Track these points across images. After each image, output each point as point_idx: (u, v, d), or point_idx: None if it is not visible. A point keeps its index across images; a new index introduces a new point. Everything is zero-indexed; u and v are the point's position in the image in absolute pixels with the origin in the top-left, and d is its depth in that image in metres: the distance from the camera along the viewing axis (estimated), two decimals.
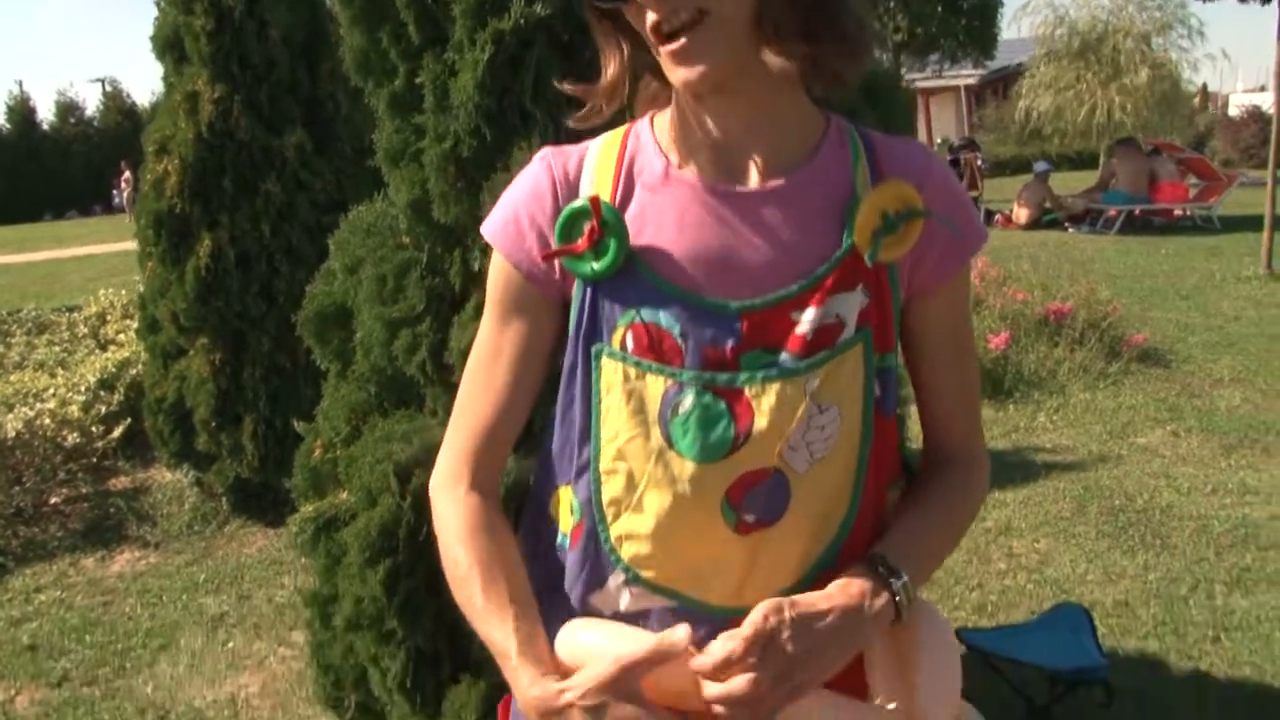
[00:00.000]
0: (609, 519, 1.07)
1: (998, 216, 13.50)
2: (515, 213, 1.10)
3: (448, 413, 1.97)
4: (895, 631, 1.03)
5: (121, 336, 6.89)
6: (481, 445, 1.12)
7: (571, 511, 1.11)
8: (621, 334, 1.04)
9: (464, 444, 1.13)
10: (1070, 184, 15.17)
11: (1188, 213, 13.08)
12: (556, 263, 1.07)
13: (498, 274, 1.12)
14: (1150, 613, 3.45)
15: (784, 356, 1.01)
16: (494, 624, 1.03)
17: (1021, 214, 13.24)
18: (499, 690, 1.94)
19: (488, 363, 1.12)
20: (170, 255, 4.38)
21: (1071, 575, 3.73)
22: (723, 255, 1.02)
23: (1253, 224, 10.75)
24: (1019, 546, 3.97)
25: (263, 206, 4.28)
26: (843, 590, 1.00)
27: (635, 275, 1.03)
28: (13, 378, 5.96)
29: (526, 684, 0.99)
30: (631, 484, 1.05)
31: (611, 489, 1.06)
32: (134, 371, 5.70)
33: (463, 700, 1.99)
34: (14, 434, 4.87)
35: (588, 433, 1.07)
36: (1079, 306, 6.57)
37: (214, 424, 4.39)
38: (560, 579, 1.13)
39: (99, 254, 16.48)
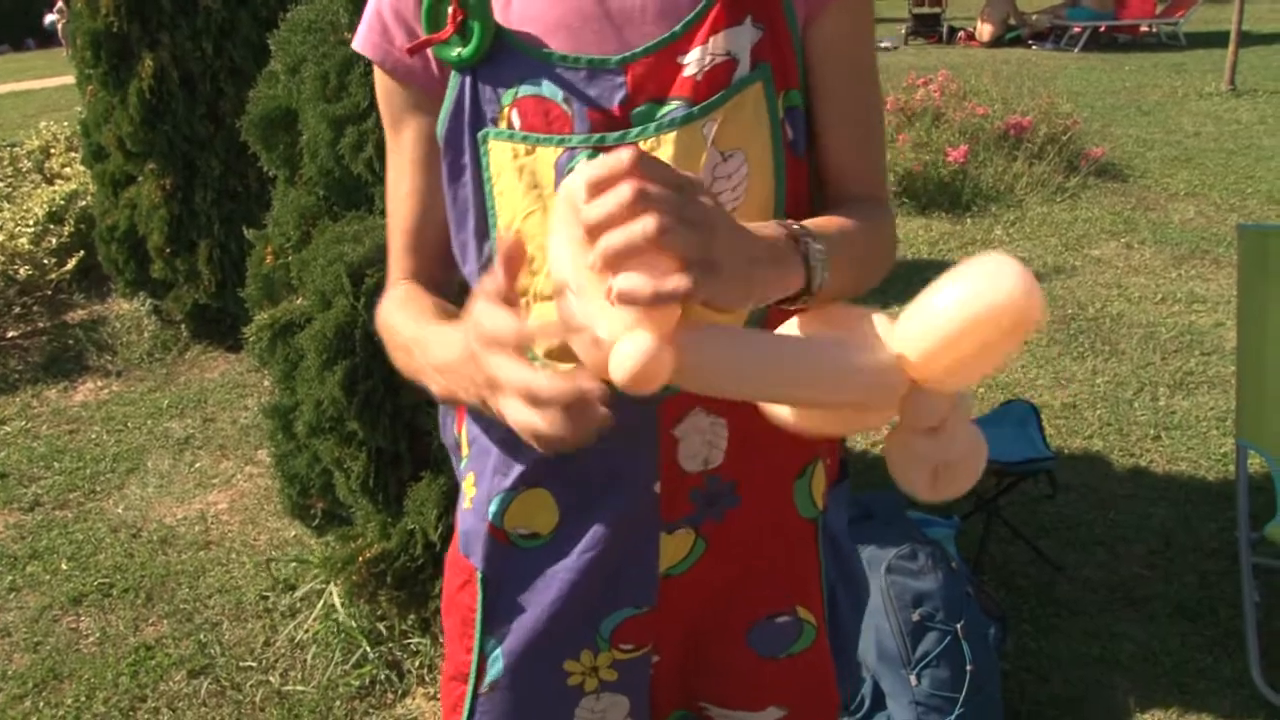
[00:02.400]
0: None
1: (960, 33, 13.27)
2: (379, 15, 1.03)
3: None
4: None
5: (67, 170, 6.71)
6: (410, 249, 1.09)
7: None
8: (506, 113, 0.98)
9: (395, 257, 1.12)
10: (1035, 1, 14.87)
11: (1154, 29, 12.91)
12: (432, 57, 1.01)
13: (379, 85, 1.08)
14: (1096, 414, 3.57)
15: (676, 104, 0.94)
16: (425, 338, 0.94)
17: (985, 30, 13.01)
18: (456, 487, 2.00)
19: (395, 176, 1.09)
20: (111, 78, 4.23)
21: (1022, 380, 3.84)
22: (597, 10, 0.96)
23: (1219, 40, 10.64)
24: None
25: (203, 24, 4.12)
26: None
27: (509, 51, 0.97)
28: None
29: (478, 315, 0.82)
30: (534, 262, 0.98)
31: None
32: (83, 204, 5.59)
33: (423, 496, 2.05)
34: None
35: (485, 224, 1.02)
36: (1039, 121, 6.54)
37: (168, 250, 4.33)
38: None
39: (36, 89, 15.89)
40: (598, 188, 0.72)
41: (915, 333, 0.77)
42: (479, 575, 1.12)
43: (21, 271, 5.07)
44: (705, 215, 0.74)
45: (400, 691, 2.50)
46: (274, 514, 3.25)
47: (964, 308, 0.74)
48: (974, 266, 0.75)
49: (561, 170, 0.96)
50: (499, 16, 0.98)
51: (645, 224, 0.70)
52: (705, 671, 1.18)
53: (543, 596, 1.10)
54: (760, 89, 0.96)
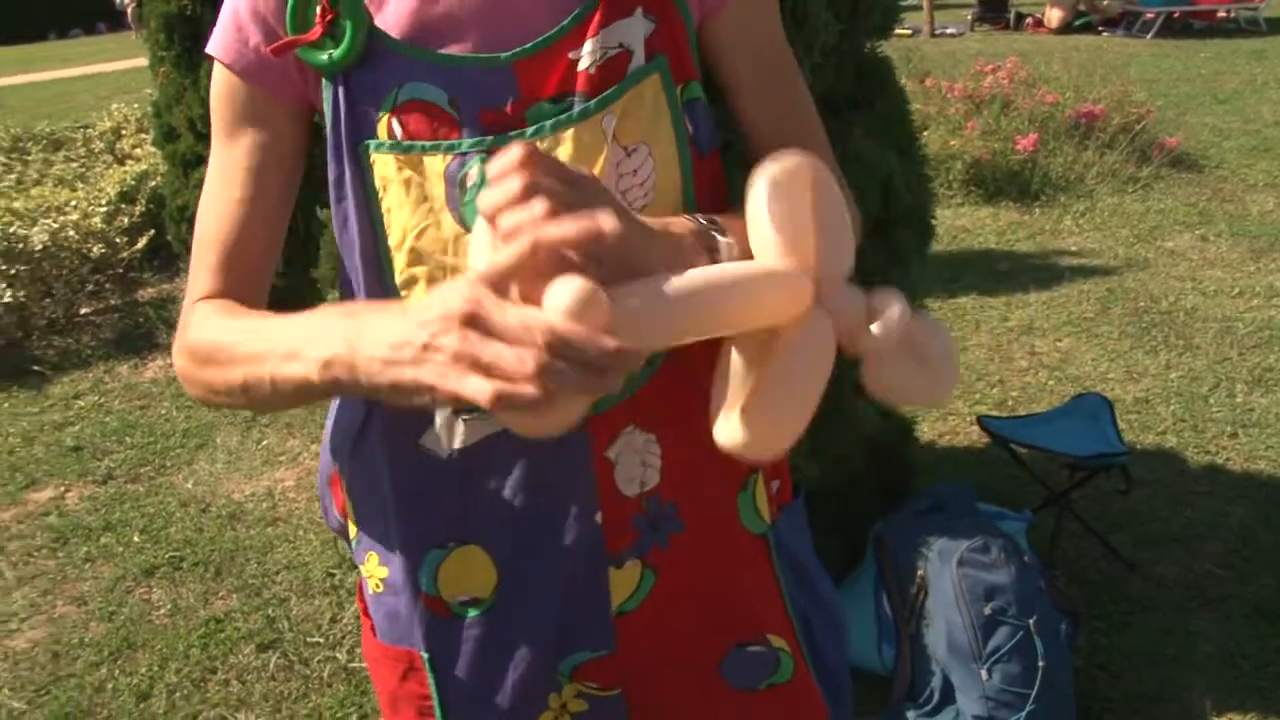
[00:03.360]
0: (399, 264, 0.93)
1: (1028, 19, 13.04)
2: (234, 12, 0.95)
3: None
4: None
5: (138, 151, 6.85)
6: (222, 267, 0.97)
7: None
8: (386, 122, 0.90)
9: (200, 275, 0.98)
10: None
11: (1231, 14, 12.59)
12: (295, 63, 0.93)
13: (219, 89, 0.97)
14: (1170, 410, 3.50)
15: (573, 100, 0.90)
16: (280, 332, 0.86)
17: (1054, 16, 12.77)
18: None
19: (218, 183, 0.98)
20: (184, 60, 4.28)
21: (1093, 373, 3.77)
22: (481, 6, 0.90)
23: None
24: (1041, 345, 4.00)
25: None
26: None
27: (385, 53, 0.90)
28: (33, 192, 5.96)
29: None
30: (435, 286, 0.88)
31: (409, 288, 0.93)
32: (154, 184, 5.69)
33: None
34: (40, 246, 4.91)
35: (375, 248, 0.93)
36: (1111, 110, 6.41)
37: None
38: (365, 439, 1.02)
39: (108, 72, 16.20)
40: (493, 183, 0.74)
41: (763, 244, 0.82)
42: (424, 658, 1.03)
43: (95, 250, 5.18)
44: (594, 205, 0.74)
45: None
46: None
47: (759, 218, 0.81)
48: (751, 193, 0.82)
49: (453, 180, 0.90)
50: (374, 14, 0.91)
51: (534, 208, 0.71)
52: (686, 712, 1.09)
53: (499, 665, 1.02)
54: (658, 80, 0.92)
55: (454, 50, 0.90)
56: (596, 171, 0.89)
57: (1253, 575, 2.70)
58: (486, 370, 0.68)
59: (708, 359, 0.87)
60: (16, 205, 5.34)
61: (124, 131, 7.63)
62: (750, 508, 1.06)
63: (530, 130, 0.89)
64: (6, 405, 4.27)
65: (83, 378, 4.45)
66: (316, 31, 0.90)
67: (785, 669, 1.09)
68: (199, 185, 4.74)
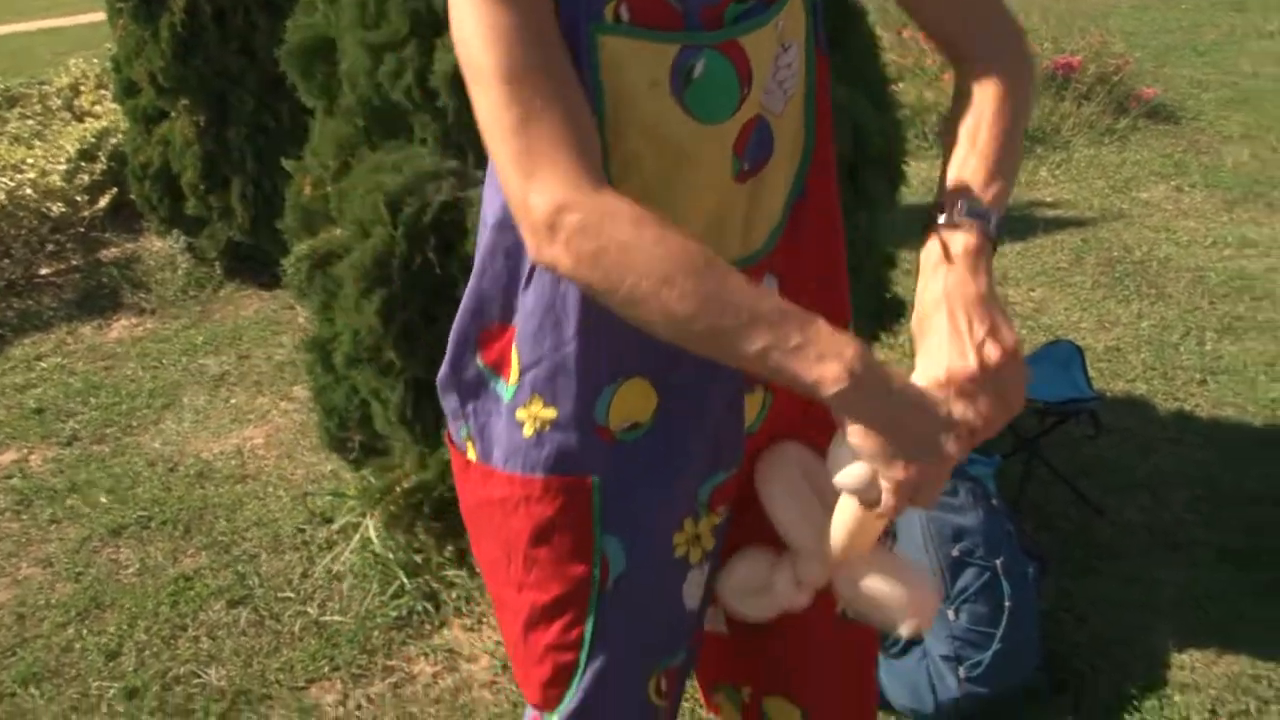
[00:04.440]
0: (616, 186, 1.02)
1: None
2: None
3: (437, 140, 2.00)
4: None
5: (98, 108, 6.76)
6: (585, 141, 0.98)
7: None
8: (613, 7, 0.98)
9: (566, 144, 0.96)
10: None
11: None
12: None
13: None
14: (1141, 358, 3.56)
15: (751, 2, 1.02)
16: (765, 292, 0.99)
17: None
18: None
19: (542, 68, 0.96)
20: (142, 11, 4.25)
21: (1065, 322, 3.82)
22: None
23: None
24: (1015, 295, 4.04)
25: None
26: (960, 278, 1.01)
27: None
28: None
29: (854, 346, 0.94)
30: (643, 159, 1.04)
31: (624, 165, 1.04)
32: (114, 141, 5.63)
33: None
34: None
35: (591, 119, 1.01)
36: (1089, 60, 6.42)
37: (201, 187, 4.37)
38: (552, 292, 1.10)
39: (66, 26, 15.89)
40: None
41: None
42: (595, 482, 1.15)
43: (54, 209, 5.13)
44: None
45: (437, 622, 2.56)
46: (310, 449, 3.31)
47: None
48: None
49: (679, 69, 1.00)
50: None
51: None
52: (755, 526, 1.26)
53: (652, 480, 1.16)
54: None
55: None
56: (769, 69, 1.05)
57: (1219, 521, 2.77)
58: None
59: (816, 228, 1.17)
60: None
61: (83, 88, 7.52)
62: None
63: (737, 29, 1.02)
64: None
65: (44, 339, 4.43)
66: None
67: None
68: (161, 142, 4.68)
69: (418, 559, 2.65)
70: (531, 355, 1.13)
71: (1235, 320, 3.79)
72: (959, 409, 0.94)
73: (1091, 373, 3.29)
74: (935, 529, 2.18)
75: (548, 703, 1.25)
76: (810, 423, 1.20)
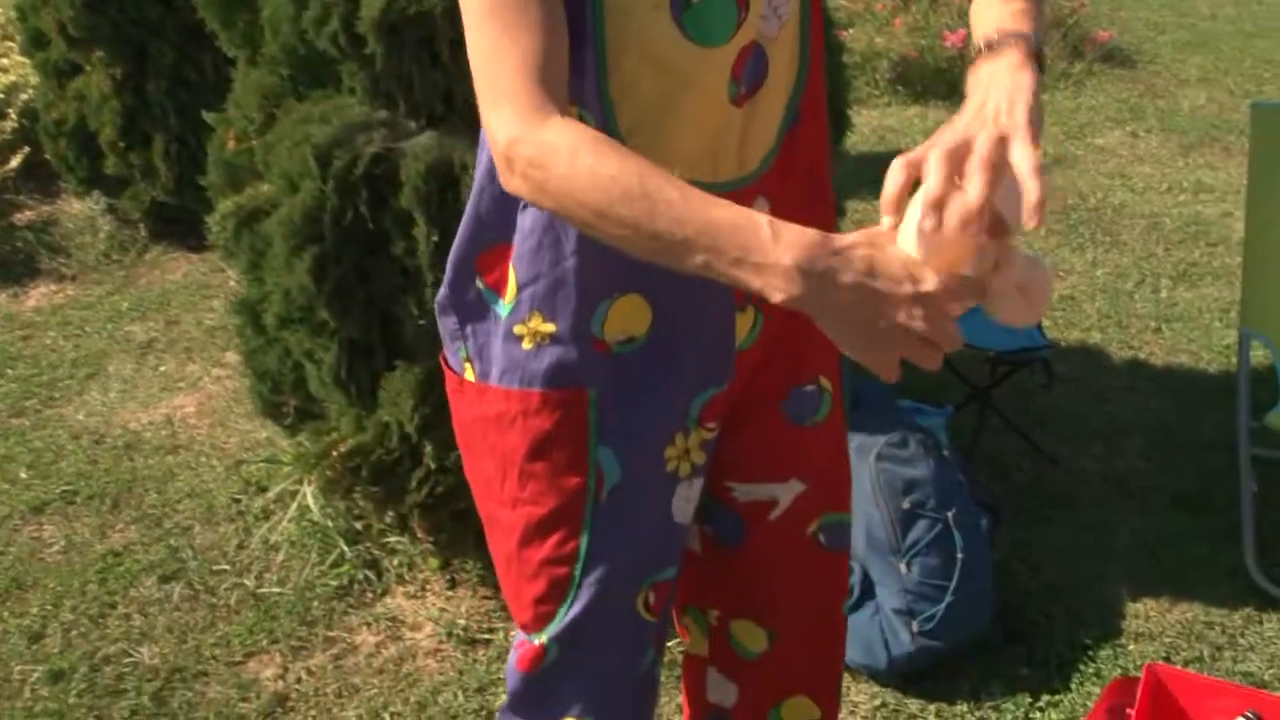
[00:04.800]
0: (615, 107, 1.10)
1: None
2: None
3: (366, 90, 1.99)
4: None
5: (4, 61, 6.60)
6: (546, 70, 1.02)
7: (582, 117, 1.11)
8: None
9: (524, 76, 1.02)
10: None
11: None
12: None
13: None
14: (1095, 306, 3.63)
15: None
16: (709, 204, 0.97)
17: None
18: (433, 376, 2.03)
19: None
20: None
21: None
22: None
23: None
24: None
25: None
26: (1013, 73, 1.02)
27: None
28: None
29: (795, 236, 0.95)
30: (641, 81, 1.09)
31: (623, 87, 1.10)
32: (25, 96, 5.51)
33: (398, 387, 2.09)
34: None
35: (582, 37, 1.06)
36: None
37: (122, 145, 4.30)
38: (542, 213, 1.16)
39: None
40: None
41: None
42: (591, 395, 1.21)
43: None
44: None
45: (379, 590, 2.57)
46: (243, 416, 3.29)
47: None
48: None
49: None
50: None
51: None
52: (737, 446, 1.35)
53: (645, 393, 1.23)
54: None
55: None
56: None
57: (1173, 468, 2.85)
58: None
59: (807, 152, 1.24)
60: None
61: None
62: None
63: None
64: None
65: None
66: None
67: (825, 406, 1.38)
68: (77, 97, 4.57)
69: (358, 526, 2.65)
70: (529, 272, 1.18)
71: (1190, 266, 3.88)
72: (922, 283, 0.93)
73: (1046, 322, 3.36)
74: (885, 481, 2.22)
75: (539, 620, 1.29)
76: (809, 340, 1.28)
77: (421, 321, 2.04)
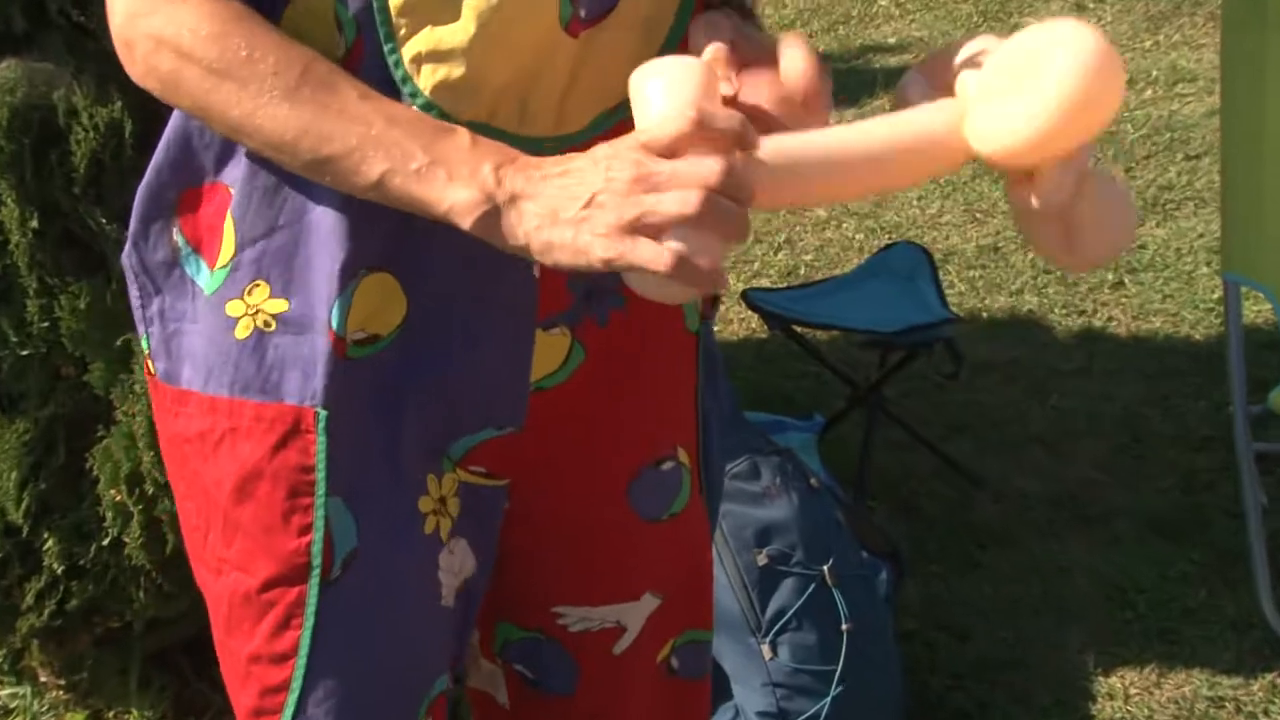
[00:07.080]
0: (401, 32, 1.13)
1: None
2: None
3: None
4: None
5: None
6: None
7: (340, 29, 1.15)
8: None
9: None
10: None
11: None
12: None
13: None
14: (1028, 258, 3.80)
15: None
16: (392, 104, 1.09)
17: None
18: (53, 428, 2.03)
19: None
20: None
21: (920, 218, 4.08)
22: None
23: None
24: None
25: None
26: None
27: None
28: None
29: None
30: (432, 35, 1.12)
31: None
32: None
33: None
34: None
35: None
36: None
37: None
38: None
39: None
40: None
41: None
42: (318, 415, 1.21)
43: None
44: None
45: None
46: None
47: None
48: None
49: None
50: None
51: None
52: (566, 553, 1.39)
53: (389, 420, 1.26)
54: None
55: None
56: None
57: (1145, 479, 3.00)
58: (654, 231, 0.99)
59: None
60: None
61: None
62: (692, 303, 1.36)
63: None
64: None
65: None
66: None
67: (685, 489, 1.42)
68: None
69: None
70: (257, 225, 1.21)
71: (1163, 190, 4.11)
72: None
73: (960, 285, 3.49)
74: (731, 529, 2.31)
75: None
76: (661, 395, 1.36)
77: (25, 351, 2.07)
